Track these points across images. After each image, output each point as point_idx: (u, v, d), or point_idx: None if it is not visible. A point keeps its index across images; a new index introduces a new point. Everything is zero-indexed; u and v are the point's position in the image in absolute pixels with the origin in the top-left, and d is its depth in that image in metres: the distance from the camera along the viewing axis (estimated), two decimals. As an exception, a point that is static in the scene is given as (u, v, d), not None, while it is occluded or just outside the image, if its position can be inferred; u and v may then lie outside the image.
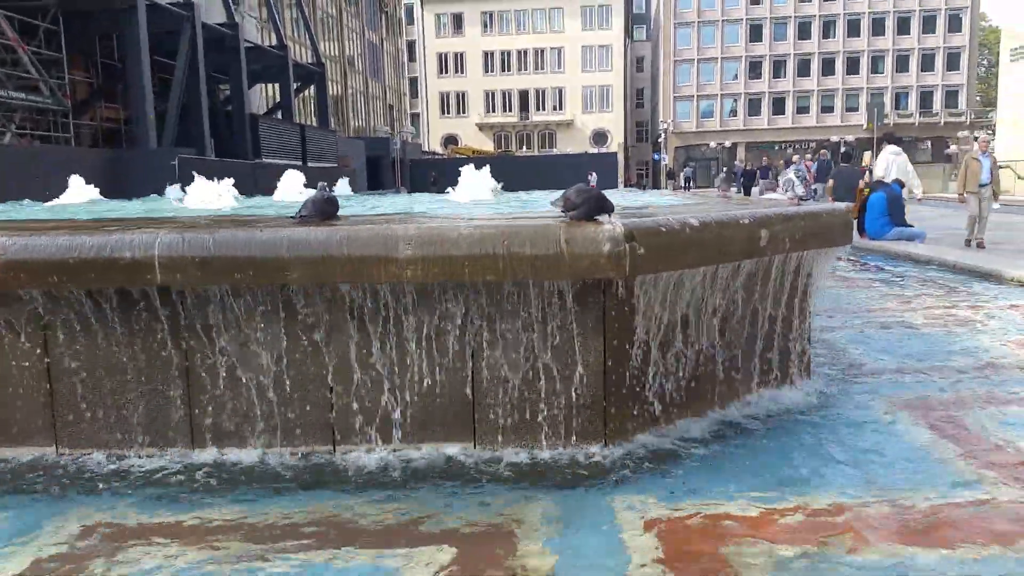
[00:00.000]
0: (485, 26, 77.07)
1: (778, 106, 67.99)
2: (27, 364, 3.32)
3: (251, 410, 3.32)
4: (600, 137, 74.69)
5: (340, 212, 3.55)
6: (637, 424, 3.38)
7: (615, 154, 51.22)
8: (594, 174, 24.32)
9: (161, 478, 3.13)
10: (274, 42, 31.98)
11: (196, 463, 3.24)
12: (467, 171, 5.02)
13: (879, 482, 2.99)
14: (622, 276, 3.09)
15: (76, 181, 6.97)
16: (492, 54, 76.93)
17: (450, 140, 75.25)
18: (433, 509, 2.82)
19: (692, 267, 3.38)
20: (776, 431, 3.57)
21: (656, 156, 74.00)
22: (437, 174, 45.03)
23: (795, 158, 20.16)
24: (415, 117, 76.36)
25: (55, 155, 17.06)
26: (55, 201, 6.83)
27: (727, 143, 60.70)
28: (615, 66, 75.54)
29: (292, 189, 6.85)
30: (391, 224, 3.18)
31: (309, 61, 34.92)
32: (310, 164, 28.06)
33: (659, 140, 71.54)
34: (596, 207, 3.15)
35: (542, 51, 76.49)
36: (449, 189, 5.23)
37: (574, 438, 3.32)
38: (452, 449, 3.31)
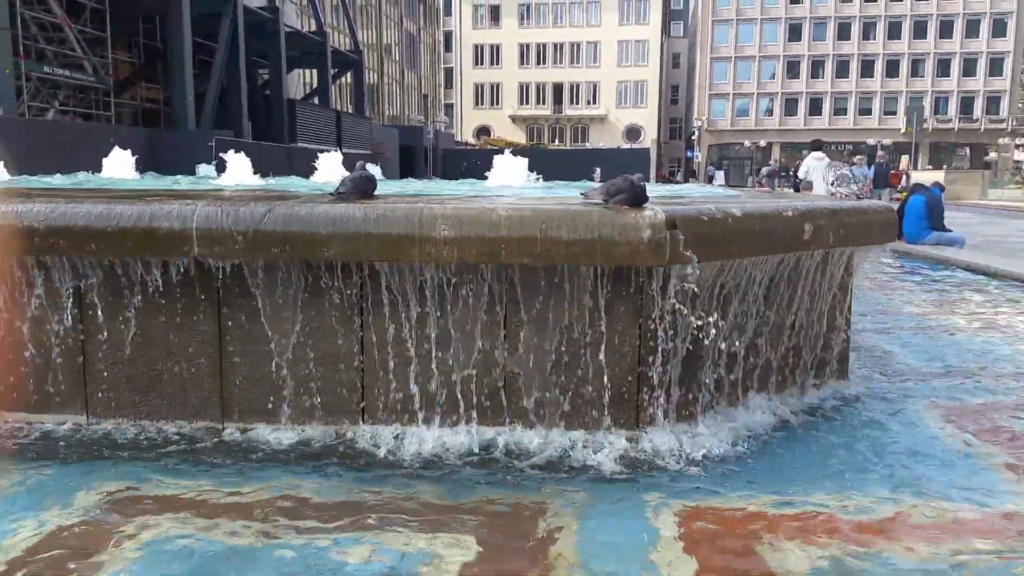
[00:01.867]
0: (522, 18, 76.95)
1: (815, 107, 67.20)
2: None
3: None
4: (633, 132, 74.31)
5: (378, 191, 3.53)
6: (670, 415, 3.33)
7: (648, 149, 51.01)
8: (598, 169, 24.20)
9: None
10: (314, 28, 32.20)
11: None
12: (501, 158, 4.99)
13: (915, 485, 2.91)
14: (661, 263, 3.04)
15: (118, 154, 7.05)
16: (528, 47, 76.81)
17: (483, 131, 75.30)
18: (464, 489, 2.81)
19: (734, 258, 3.32)
20: (812, 431, 3.50)
21: (689, 153, 73.54)
22: (468, 164, 45.23)
23: (856, 159, 19.79)
24: (449, 107, 76.49)
25: (97, 132, 17.32)
26: (102, 174, 6.95)
27: (762, 142, 60.13)
28: (651, 62, 75.07)
29: (330, 170, 6.89)
30: (430, 203, 3.16)
31: (348, 48, 35.13)
32: (344, 150, 28.24)
33: (692, 137, 71.06)
34: (637, 195, 3.10)
35: (578, 45, 76.24)
36: (487, 174, 5.22)
37: (608, 425, 3.28)
38: (488, 432, 3.29)
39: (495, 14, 77.60)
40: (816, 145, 13.06)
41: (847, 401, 3.93)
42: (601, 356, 3.25)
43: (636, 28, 74.79)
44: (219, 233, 3.08)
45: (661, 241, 3.00)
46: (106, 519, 2.55)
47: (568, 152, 48.60)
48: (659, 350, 3.26)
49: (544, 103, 77.21)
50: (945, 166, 55.15)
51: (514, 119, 76.64)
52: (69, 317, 3.34)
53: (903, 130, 58.78)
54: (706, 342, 3.40)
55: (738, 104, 69.23)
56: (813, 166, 12.66)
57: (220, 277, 3.25)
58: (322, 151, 24.95)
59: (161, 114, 24.02)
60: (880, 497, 2.80)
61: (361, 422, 3.34)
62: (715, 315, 3.40)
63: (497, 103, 77.52)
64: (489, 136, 71.14)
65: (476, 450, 3.17)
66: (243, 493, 2.75)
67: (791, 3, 66.38)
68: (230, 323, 3.32)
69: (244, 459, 3.07)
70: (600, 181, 4.46)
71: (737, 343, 3.53)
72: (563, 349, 3.26)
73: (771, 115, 68.39)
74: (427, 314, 3.24)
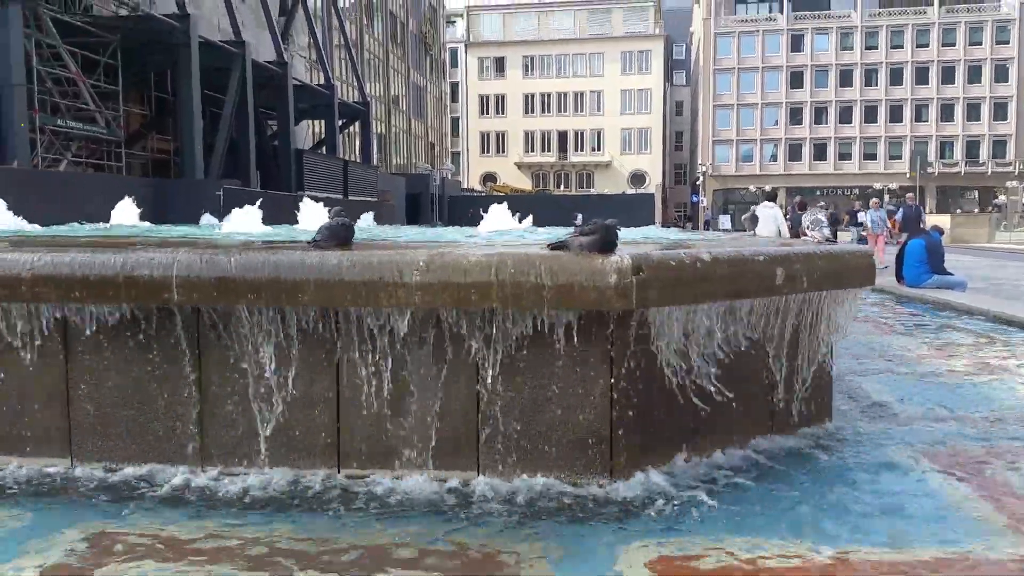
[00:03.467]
0: (526, 69, 78.32)
1: (819, 152, 67.73)
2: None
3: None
4: (638, 178, 74.92)
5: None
6: (643, 459, 3.34)
7: (652, 195, 51.30)
8: (580, 215, 24.42)
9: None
10: (322, 81, 32.83)
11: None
12: (493, 208, 5.13)
13: (888, 533, 2.89)
14: (628, 307, 3.10)
15: (125, 204, 7.21)
16: (532, 96, 78.03)
17: (489, 178, 76.09)
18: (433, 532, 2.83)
19: (703, 302, 3.37)
20: (793, 475, 3.49)
21: (695, 198, 73.98)
22: (474, 210, 45.68)
23: (873, 202, 19.80)
24: (456, 155, 77.42)
25: (107, 183, 17.60)
26: (110, 223, 7.10)
27: (767, 187, 60.39)
28: (654, 109, 76.05)
29: (313, 217, 7.02)
30: (402, 250, 3.23)
31: (355, 100, 35.74)
32: (351, 198, 28.57)
33: (697, 182, 71.58)
34: (604, 240, 3.17)
35: (582, 94, 77.39)
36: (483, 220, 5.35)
37: (581, 470, 3.29)
38: (456, 477, 3.31)
39: (500, 66, 79.01)
40: (767, 196, 13.61)
41: (826, 443, 3.93)
42: (573, 401, 3.28)
43: (639, 77, 75.94)
44: (198, 281, 3.15)
45: (627, 286, 3.05)
46: None
47: (573, 198, 49.01)
48: (630, 394, 3.30)
49: (549, 150, 78.11)
50: (958, 210, 55.25)
51: (519, 166, 77.47)
52: (52, 364, 3.40)
53: (908, 174, 59.12)
54: (678, 385, 3.43)
55: (742, 150, 69.85)
56: (766, 215, 13.09)
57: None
58: (330, 199, 25.18)
59: (171, 164, 24.43)
60: (835, 541, 2.79)
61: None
62: (687, 358, 3.45)
63: (503, 151, 78.46)
64: (495, 183, 71.85)
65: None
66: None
67: (792, 51, 67.35)
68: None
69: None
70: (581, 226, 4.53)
71: (710, 386, 3.55)
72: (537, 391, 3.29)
73: (775, 160, 68.91)
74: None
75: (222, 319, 3.31)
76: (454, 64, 78.65)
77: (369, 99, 37.17)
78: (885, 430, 4.22)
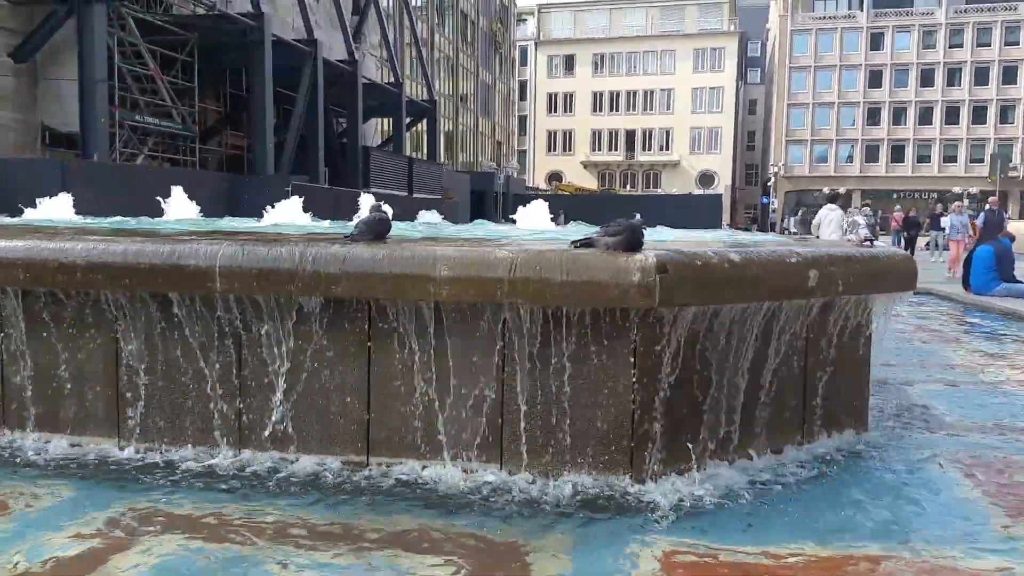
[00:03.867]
0: (596, 67, 77.96)
1: (897, 154, 65.55)
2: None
3: (295, 416, 3.50)
4: (707, 178, 73.82)
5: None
6: (668, 460, 3.36)
7: (720, 195, 50.42)
8: (638, 215, 24.04)
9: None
10: (391, 79, 33.37)
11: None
12: (532, 204, 5.20)
13: (905, 540, 2.86)
14: (651, 306, 3.12)
15: (178, 195, 7.51)
16: (601, 94, 77.64)
17: (555, 177, 76.05)
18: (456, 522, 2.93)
19: (731, 303, 3.36)
20: (818, 482, 3.46)
21: (764, 199, 72.51)
22: (540, 210, 45.81)
23: (955, 205, 19.21)
24: (522, 154, 77.63)
25: (181, 177, 18.29)
26: (165, 216, 7.41)
27: (841, 189, 58.74)
28: (726, 108, 74.79)
29: (292, 212, 7.21)
30: (432, 246, 3.32)
31: (422, 98, 36.20)
32: (415, 195, 28.98)
33: (768, 183, 70.11)
34: (630, 239, 3.20)
35: (651, 92, 76.64)
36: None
37: (604, 468, 3.33)
38: (484, 470, 3.38)
39: (569, 63, 78.84)
40: (831, 199, 13.60)
41: (860, 451, 3.87)
42: (596, 399, 3.32)
43: (711, 75, 74.80)
44: (239, 271, 3.31)
45: (650, 284, 3.08)
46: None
47: (637, 198, 48.65)
48: (656, 394, 3.32)
49: (616, 149, 77.58)
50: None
51: (586, 165, 77.18)
52: (105, 347, 3.61)
53: (989, 177, 56.73)
54: (705, 387, 3.43)
55: (816, 150, 68.08)
56: (825, 216, 13.66)
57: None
58: (394, 196, 25.47)
59: (244, 160, 25.21)
60: (859, 551, 2.77)
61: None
62: (715, 360, 3.45)
63: (569, 149, 78.29)
64: (560, 182, 71.78)
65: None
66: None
67: (871, 50, 65.32)
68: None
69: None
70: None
71: (739, 388, 3.54)
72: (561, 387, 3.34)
73: (851, 162, 66.97)
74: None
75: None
76: (523, 62, 78.83)
77: (436, 97, 37.58)
78: (924, 439, 4.15)
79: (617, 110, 77.56)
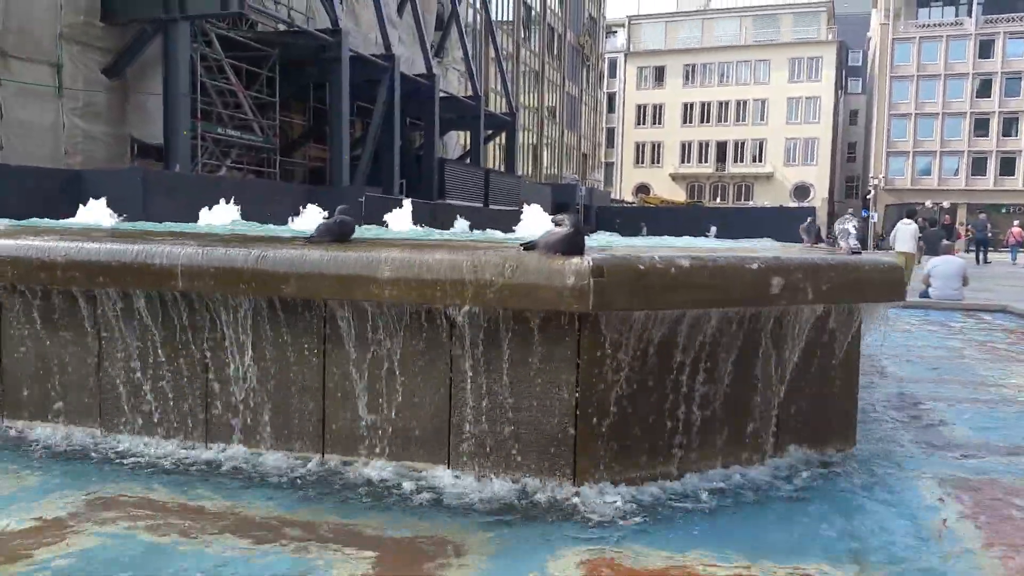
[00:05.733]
0: (687, 77, 76.92)
1: (1007, 166, 61.95)
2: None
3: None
4: (802, 191, 71.60)
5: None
6: (608, 469, 3.29)
7: (813, 208, 48.82)
8: (714, 228, 23.55)
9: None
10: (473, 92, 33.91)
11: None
12: (529, 209, 5.19)
13: (864, 561, 2.72)
14: (585, 310, 3.07)
15: (223, 205, 7.83)
16: (692, 105, 76.49)
17: (642, 189, 75.31)
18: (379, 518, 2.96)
19: (677, 308, 3.28)
20: (776, 497, 3.33)
21: (865, 212, 69.73)
22: (621, 220, 45.43)
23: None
24: (609, 166, 77.22)
25: (260, 188, 19.08)
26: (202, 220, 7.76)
27: (945, 203, 55.92)
28: (823, 118, 72.44)
29: (402, 221, 7.34)
30: (378, 249, 3.37)
31: (502, 111, 36.56)
32: (491, 206, 29.25)
33: (868, 196, 67.48)
34: (567, 243, 3.17)
35: (744, 103, 75.01)
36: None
37: (544, 472, 3.30)
38: (429, 470, 3.40)
39: (659, 75, 78.06)
40: (908, 213, 14.03)
41: (836, 468, 3.69)
42: (539, 403, 3.29)
43: (808, 85, 72.63)
44: (197, 270, 3.44)
45: (584, 288, 3.04)
46: None
47: (723, 211, 47.68)
48: (600, 400, 3.26)
49: (706, 161, 76.21)
50: None
51: (674, 177, 76.10)
52: (86, 341, 3.82)
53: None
54: (652, 397, 3.36)
55: (919, 162, 65.09)
56: (899, 229, 14.62)
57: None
58: (469, 208, 25.82)
59: (326, 172, 26.05)
60: (791, 569, 2.65)
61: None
62: (663, 368, 3.36)
63: (658, 161, 77.37)
64: (647, 194, 71.03)
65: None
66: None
67: (980, 58, 62.11)
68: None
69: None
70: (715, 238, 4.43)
71: (693, 397, 3.44)
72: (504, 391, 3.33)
73: (957, 174, 63.73)
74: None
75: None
76: (612, 74, 78.54)
77: (516, 110, 37.89)
78: (916, 459, 3.92)
79: (708, 121, 76.21)
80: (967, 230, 36.42)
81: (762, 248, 4.97)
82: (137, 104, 17.97)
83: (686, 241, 6.99)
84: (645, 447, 3.37)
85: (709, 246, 5.43)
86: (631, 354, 3.28)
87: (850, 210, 4.54)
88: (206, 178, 17.50)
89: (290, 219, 7.53)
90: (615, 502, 3.15)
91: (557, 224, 3.27)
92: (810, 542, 2.87)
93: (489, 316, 3.28)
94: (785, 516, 3.13)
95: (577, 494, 3.20)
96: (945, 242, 13.39)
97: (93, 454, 3.61)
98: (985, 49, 62.39)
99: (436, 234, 6.42)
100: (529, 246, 3.35)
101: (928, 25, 64.10)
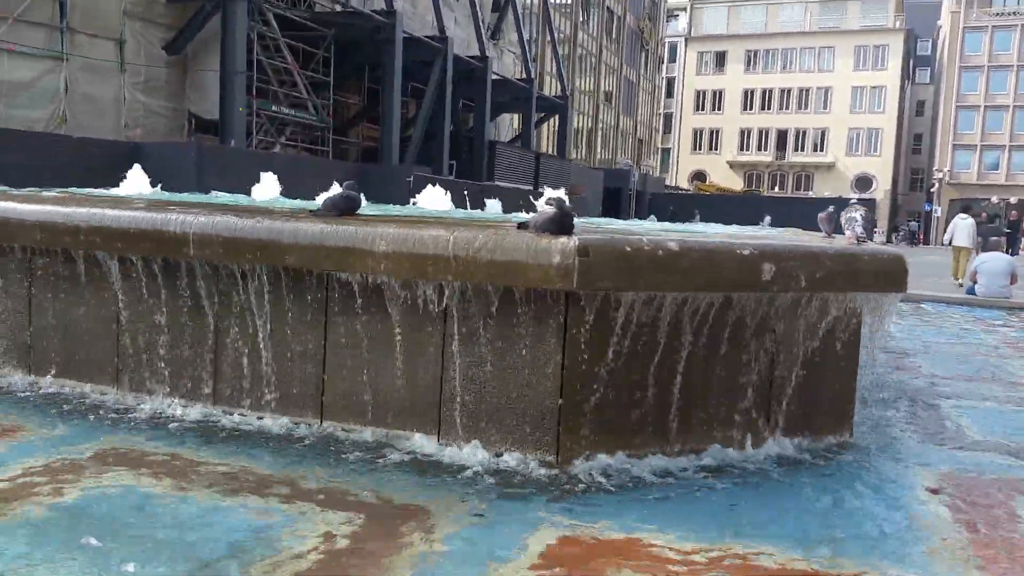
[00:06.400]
0: (748, 64, 75.50)
1: (1081, 162, 59.52)
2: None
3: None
4: (863, 182, 69.83)
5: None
6: (594, 443, 3.37)
7: (873, 200, 47.71)
8: (768, 217, 23.09)
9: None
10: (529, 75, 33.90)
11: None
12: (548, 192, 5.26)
13: (835, 549, 2.73)
14: (569, 288, 3.15)
15: (267, 177, 8.05)
16: (752, 92, 75.10)
17: (698, 176, 74.34)
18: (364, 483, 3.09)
19: (662, 290, 3.33)
20: (760, 482, 3.36)
21: (928, 206, 67.72)
22: (675, 207, 45.00)
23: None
24: (666, 152, 76.38)
25: (313, 165, 19.45)
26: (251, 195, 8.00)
27: (1012, 199, 53.98)
28: (888, 108, 70.44)
29: (435, 200, 7.47)
30: (373, 223, 3.50)
31: (555, 94, 36.50)
32: (540, 189, 29.28)
33: (932, 190, 65.53)
34: (555, 223, 3.24)
35: (807, 90, 73.36)
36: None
37: (530, 446, 3.39)
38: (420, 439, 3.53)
39: (720, 60, 76.78)
40: (963, 208, 13.96)
41: (829, 457, 3.70)
42: (527, 377, 3.38)
43: (873, 74, 70.67)
44: (208, 238, 3.62)
45: (569, 267, 3.12)
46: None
47: (777, 200, 46.81)
48: (586, 377, 3.34)
49: (765, 149, 74.80)
50: None
51: (732, 164, 74.92)
52: (108, 304, 4.04)
53: None
54: (639, 376, 3.42)
55: (987, 156, 62.89)
56: (957, 224, 15.04)
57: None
58: (518, 190, 25.88)
59: (380, 151, 26.41)
60: (756, 552, 2.70)
61: (318, 416, 3.71)
62: (650, 348, 3.42)
63: (716, 148, 76.25)
64: (704, 181, 70.08)
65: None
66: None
67: (1056, 46, 59.65)
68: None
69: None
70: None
71: (682, 379, 3.50)
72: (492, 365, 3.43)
73: (1026, 169, 61.53)
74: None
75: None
76: (672, 59, 77.49)
77: (570, 94, 37.74)
78: (915, 452, 3.90)
79: (769, 109, 74.76)
80: None
81: (767, 235, 4.96)
82: (195, 80, 18.49)
83: (715, 227, 6.97)
84: (630, 425, 3.44)
85: (716, 232, 5.41)
86: (618, 333, 3.35)
87: (854, 200, 4.49)
88: (259, 154, 17.93)
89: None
90: (598, 477, 3.23)
91: (549, 206, 3.35)
92: (787, 527, 2.89)
93: (478, 292, 3.38)
94: (768, 500, 3.15)
95: (561, 469, 3.28)
96: (992, 239, 13.02)
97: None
98: (1063, 39, 59.91)
99: (458, 213, 6.54)
100: (523, 225, 3.43)
101: (1002, 14, 61.67)
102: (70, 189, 6.18)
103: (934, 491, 3.35)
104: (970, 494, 3.33)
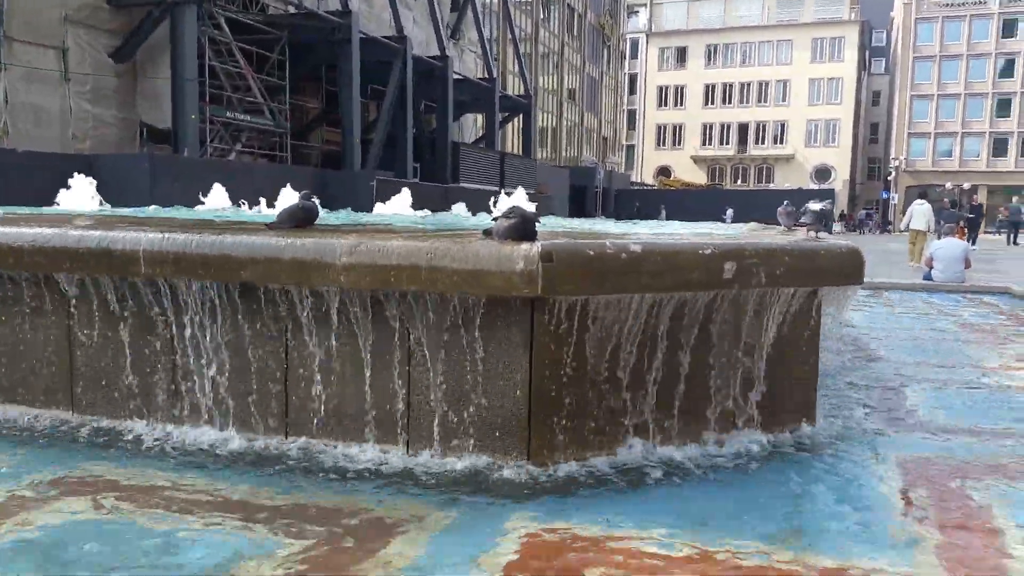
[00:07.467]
0: (709, 59, 76.24)
1: (1030, 147, 60.96)
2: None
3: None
4: (823, 173, 70.91)
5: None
6: (562, 448, 3.35)
7: (832, 191, 48.46)
8: (730, 210, 23.31)
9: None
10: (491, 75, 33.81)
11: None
12: (515, 194, 5.22)
13: (802, 538, 2.75)
14: (534, 294, 3.12)
15: (217, 189, 7.93)
16: (713, 87, 75.84)
17: (663, 172, 74.92)
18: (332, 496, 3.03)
19: (629, 292, 3.31)
20: (726, 476, 3.36)
21: (884, 194, 68.93)
22: (640, 204, 45.28)
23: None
24: (630, 148, 76.84)
25: (269, 171, 19.19)
26: (200, 207, 7.85)
27: (966, 184, 55.11)
28: (845, 100, 71.58)
29: (400, 206, 7.40)
30: (333, 234, 3.43)
31: (519, 93, 36.46)
32: (506, 190, 29.24)
33: (889, 178, 66.73)
34: (517, 229, 3.21)
35: (766, 84, 74.27)
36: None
37: (498, 452, 3.35)
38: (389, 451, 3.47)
39: (681, 56, 77.41)
40: (920, 194, 14.30)
41: (790, 447, 3.71)
42: (495, 385, 3.34)
43: (830, 66, 71.76)
44: (159, 256, 3.52)
45: (532, 273, 3.08)
46: None
47: (742, 193, 47.35)
48: (554, 381, 3.31)
49: (727, 143, 75.61)
50: None
51: (695, 159, 75.61)
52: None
53: None
54: (603, 378, 3.40)
55: (940, 144, 64.19)
56: (914, 210, 15.10)
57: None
58: (484, 191, 25.93)
59: (341, 155, 26.16)
60: (717, 541, 2.69)
61: (281, 432, 3.64)
62: (613, 350, 3.40)
63: (679, 143, 76.89)
64: (668, 177, 70.63)
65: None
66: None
67: (1003, 37, 60.93)
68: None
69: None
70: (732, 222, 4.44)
71: (647, 377, 3.48)
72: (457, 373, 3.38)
73: (978, 156, 62.76)
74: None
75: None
76: (634, 55, 77.95)
77: (542, 92, 37.77)
78: (875, 438, 3.93)
79: (729, 103, 75.56)
80: (1004, 213, 36.26)
81: (725, 232, 4.97)
82: (146, 88, 18.11)
83: (676, 226, 6.99)
84: (598, 426, 3.41)
85: (675, 231, 5.41)
86: (583, 337, 3.33)
87: (813, 201, 4.52)
88: (214, 162, 17.64)
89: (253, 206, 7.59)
90: (569, 479, 3.21)
91: (508, 217, 3.31)
92: (751, 519, 2.90)
93: (443, 300, 3.33)
94: (733, 493, 3.16)
95: (533, 473, 3.25)
96: (948, 225, 13.28)
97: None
98: (1008, 28, 61.32)
99: (427, 218, 6.48)
100: (488, 233, 3.39)
101: (952, 4, 62.98)
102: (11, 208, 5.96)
103: (893, 480, 3.38)
104: (932, 478, 3.38)
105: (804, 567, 2.53)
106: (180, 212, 6.91)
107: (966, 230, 22.26)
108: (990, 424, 4.28)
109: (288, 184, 10.46)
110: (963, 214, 26.21)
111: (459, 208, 8.86)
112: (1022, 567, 2.58)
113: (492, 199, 6.76)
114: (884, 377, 5.49)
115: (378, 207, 8.63)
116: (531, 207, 5.31)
